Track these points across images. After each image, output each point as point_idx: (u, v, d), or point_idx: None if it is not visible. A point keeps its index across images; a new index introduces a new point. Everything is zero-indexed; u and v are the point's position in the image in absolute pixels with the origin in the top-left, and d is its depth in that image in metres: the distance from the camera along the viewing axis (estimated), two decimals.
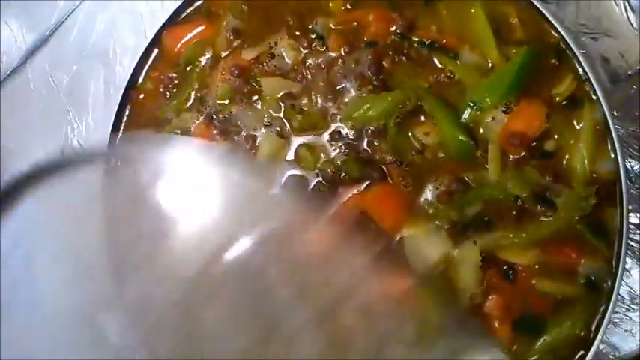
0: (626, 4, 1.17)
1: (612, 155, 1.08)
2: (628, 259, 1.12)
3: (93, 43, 1.36)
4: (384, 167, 1.16)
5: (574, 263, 1.08)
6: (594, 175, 1.10)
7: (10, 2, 1.36)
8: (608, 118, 1.06)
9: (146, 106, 1.29)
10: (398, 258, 1.12)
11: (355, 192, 1.15)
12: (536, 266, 1.09)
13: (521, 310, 1.09)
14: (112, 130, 1.22)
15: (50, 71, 1.40)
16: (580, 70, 1.08)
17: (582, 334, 1.07)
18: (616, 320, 1.15)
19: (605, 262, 1.07)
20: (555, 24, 1.07)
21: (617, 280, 1.04)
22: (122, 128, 1.27)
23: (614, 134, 1.03)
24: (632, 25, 1.17)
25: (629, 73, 1.17)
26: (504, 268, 1.10)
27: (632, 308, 1.15)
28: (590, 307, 1.08)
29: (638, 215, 1.16)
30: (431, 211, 1.13)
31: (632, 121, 1.17)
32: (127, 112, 1.31)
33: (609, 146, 1.08)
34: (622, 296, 1.14)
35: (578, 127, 1.10)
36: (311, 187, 1.18)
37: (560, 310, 1.07)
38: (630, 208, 1.11)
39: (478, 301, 1.09)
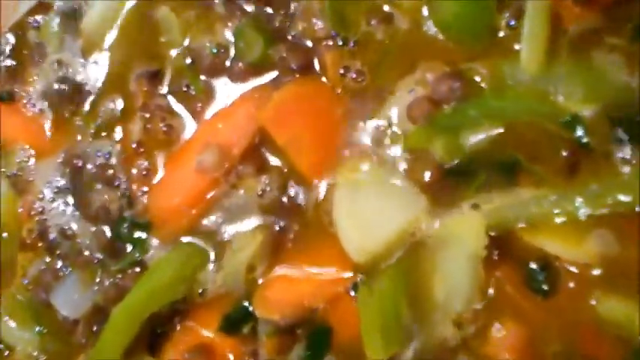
0: None
1: None
2: None
3: None
4: (309, 46, 0.90)
5: None
6: None
7: None
8: None
9: None
10: (318, 229, 0.87)
11: (251, 91, 0.92)
12: (599, 270, 0.77)
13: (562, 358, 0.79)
14: None
15: None
16: None
17: None
18: None
19: None
20: None
21: None
22: None
23: None
24: None
25: None
26: (532, 266, 0.79)
27: None
28: None
29: None
30: (392, 140, 0.85)
31: None
32: None
33: None
34: None
35: None
36: (168, 80, 0.96)
37: None
38: None
39: (471, 331, 0.80)
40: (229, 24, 0.92)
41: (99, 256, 0.97)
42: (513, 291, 0.80)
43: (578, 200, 0.76)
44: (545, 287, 0.79)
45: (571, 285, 0.79)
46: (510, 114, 0.80)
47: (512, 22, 0.79)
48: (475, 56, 0.82)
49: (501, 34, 0.80)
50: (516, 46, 0.79)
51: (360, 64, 0.86)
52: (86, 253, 0.98)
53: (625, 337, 0.76)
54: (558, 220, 0.77)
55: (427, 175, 0.82)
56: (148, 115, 0.96)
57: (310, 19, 0.88)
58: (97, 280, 0.97)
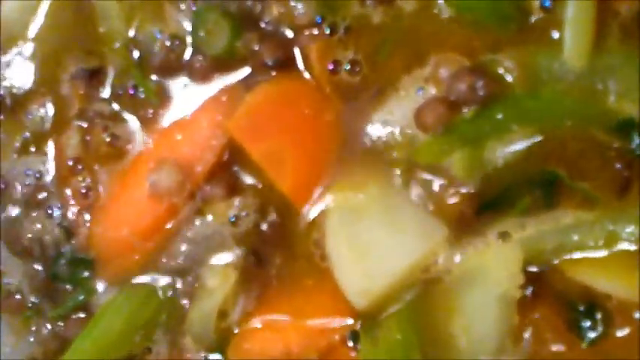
0: None
1: None
2: None
3: None
4: (289, 35, 0.79)
5: None
6: None
7: None
8: None
9: None
10: (307, 264, 0.78)
11: (217, 94, 0.80)
12: None
13: None
14: None
15: None
16: None
17: None
18: None
19: None
20: None
21: None
22: None
23: None
24: None
25: None
26: (579, 307, 0.71)
27: None
28: None
29: None
30: (397, 153, 0.75)
31: None
32: None
33: None
34: None
35: None
36: (110, 80, 0.86)
37: None
38: None
39: None
40: (182, 6, 0.81)
41: (33, 299, 0.89)
42: (554, 338, 0.73)
43: (633, 225, 0.69)
44: (593, 333, 0.71)
45: (625, 330, 0.71)
46: (548, 118, 0.71)
47: (548, 3, 0.69)
48: (501, 45, 0.72)
49: (534, 17, 0.70)
50: (554, 33, 0.69)
51: (352, 56, 0.76)
52: (17, 296, 0.91)
53: None
54: (609, 250, 0.69)
55: (445, 198, 0.74)
56: (86, 125, 0.85)
57: (288, 0, 0.78)
58: (33, 329, 0.90)
